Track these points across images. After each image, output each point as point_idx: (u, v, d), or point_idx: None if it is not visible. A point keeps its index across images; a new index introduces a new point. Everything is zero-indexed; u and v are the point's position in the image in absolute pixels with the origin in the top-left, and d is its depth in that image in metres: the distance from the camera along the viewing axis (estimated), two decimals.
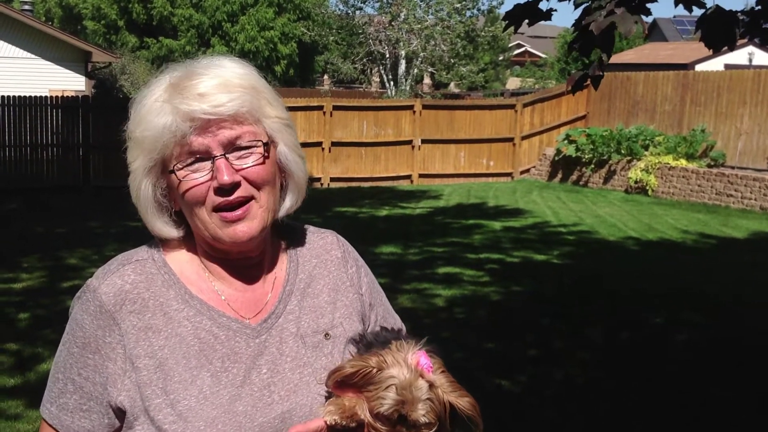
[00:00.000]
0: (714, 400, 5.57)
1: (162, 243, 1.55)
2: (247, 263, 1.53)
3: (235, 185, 1.42)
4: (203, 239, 1.50)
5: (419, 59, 27.90)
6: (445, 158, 19.90)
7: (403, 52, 27.78)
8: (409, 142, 19.54)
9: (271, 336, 1.51)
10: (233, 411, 1.42)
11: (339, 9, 29.73)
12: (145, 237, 1.58)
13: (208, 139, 1.42)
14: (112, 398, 1.44)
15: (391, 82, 28.49)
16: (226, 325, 1.49)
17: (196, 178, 1.43)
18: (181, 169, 1.43)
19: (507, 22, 3.96)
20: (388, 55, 28.22)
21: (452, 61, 28.43)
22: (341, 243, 1.68)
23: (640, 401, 5.56)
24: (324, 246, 1.65)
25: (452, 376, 1.42)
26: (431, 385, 1.38)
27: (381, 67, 28.79)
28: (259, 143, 1.45)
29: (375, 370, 1.39)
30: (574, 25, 3.51)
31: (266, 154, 1.45)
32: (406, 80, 28.21)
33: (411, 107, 19.73)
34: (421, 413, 1.36)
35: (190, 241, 1.54)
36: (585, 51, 3.44)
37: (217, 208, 1.43)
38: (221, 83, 1.43)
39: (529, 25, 4.04)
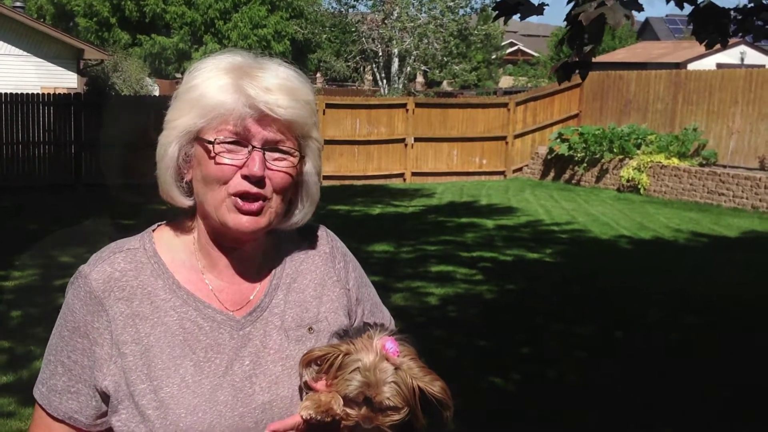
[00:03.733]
0: (708, 397, 5.59)
1: (156, 231, 1.59)
2: (239, 255, 1.56)
3: (262, 180, 1.46)
4: (205, 218, 1.53)
5: (412, 57, 27.91)
6: (438, 156, 19.91)
7: (396, 50, 27.79)
8: (402, 141, 19.54)
9: (256, 329, 1.53)
10: (214, 400, 1.45)
11: (332, 7, 29.82)
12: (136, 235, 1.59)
13: (255, 129, 1.45)
14: (98, 382, 1.48)
15: (384, 81, 28.50)
16: (211, 316, 1.52)
17: (231, 158, 1.45)
18: (221, 143, 1.45)
19: (497, 12, 3.94)
20: (381, 53, 28.22)
21: (445, 59, 28.47)
22: (330, 238, 1.71)
23: (634, 400, 5.58)
24: (312, 241, 1.68)
25: (425, 363, 1.44)
26: (397, 369, 1.40)
27: (374, 65, 28.79)
28: (297, 153, 1.50)
29: (343, 355, 1.43)
30: (566, 18, 3.51)
31: (298, 168, 1.51)
32: (398, 78, 28.22)
33: (404, 105, 19.73)
34: (386, 395, 1.39)
35: (186, 228, 1.57)
36: (573, 42, 3.45)
37: (236, 194, 1.46)
38: (289, 87, 1.47)
39: (521, 19, 4.04)
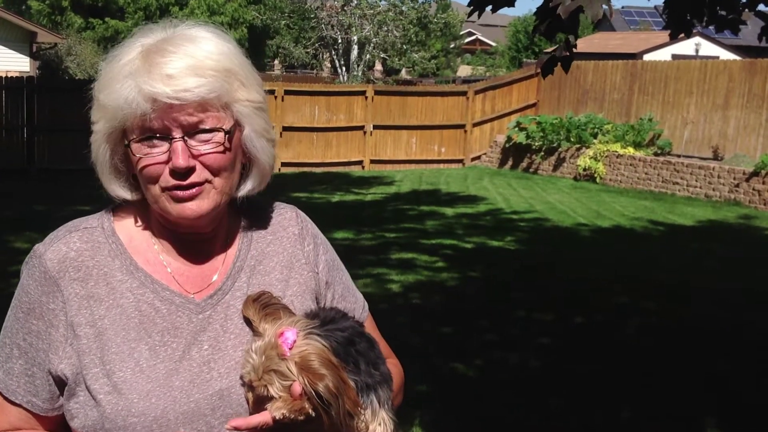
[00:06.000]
0: (663, 382, 5.68)
1: (114, 212, 1.54)
2: (197, 238, 1.51)
3: (191, 170, 1.40)
4: (155, 210, 1.49)
5: (371, 45, 27.84)
6: (397, 144, 19.91)
7: (355, 38, 27.71)
8: (361, 128, 19.50)
9: (216, 312, 1.49)
10: (169, 386, 1.41)
11: None
12: None
13: (168, 120, 1.38)
14: (53, 365, 1.43)
15: (343, 68, 28.40)
16: (169, 299, 1.47)
17: (152, 155, 1.39)
18: (138, 143, 1.39)
19: (472, 8, 3.94)
20: (340, 41, 28.11)
21: (404, 47, 28.44)
22: (300, 219, 1.65)
23: (595, 385, 5.65)
24: (281, 222, 1.63)
25: (335, 362, 1.36)
26: (283, 360, 1.35)
27: (333, 53, 28.66)
28: (221, 131, 1.41)
29: (255, 333, 1.41)
30: (538, 9, 3.51)
31: (227, 144, 1.42)
32: (358, 66, 28.14)
33: (363, 93, 19.68)
34: (263, 383, 1.36)
35: (145, 209, 1.52)
36: (550, 34, 3.45)
37: (168, 189, 1.41)
38: (192, 65, 1.38)
39: (493, 11, 4.04)
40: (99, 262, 1.47)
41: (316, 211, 12.95)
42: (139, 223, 1.52)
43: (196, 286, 1.50)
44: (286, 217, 1.64)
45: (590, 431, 4.93)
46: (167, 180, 1.40)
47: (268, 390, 1.36)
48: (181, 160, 1.38)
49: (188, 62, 1.38)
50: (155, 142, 1.39)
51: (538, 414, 5.14)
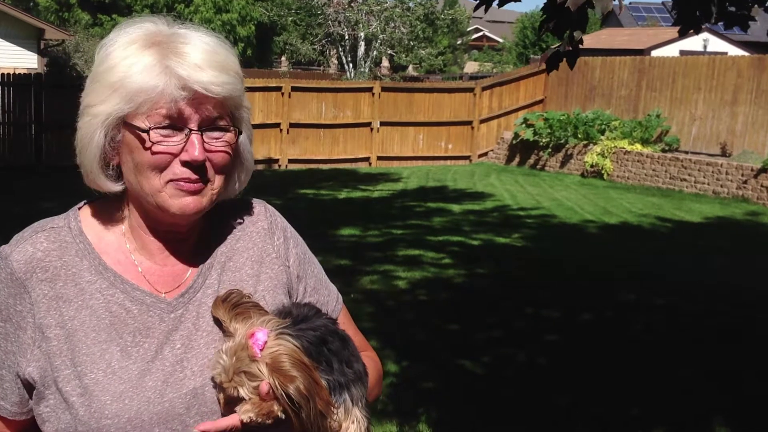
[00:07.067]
0: (674, 379, 5.67)
1: (82, 210, 1.51)
2: (174, 237, 1.49)
3: (204, 164, 1.39)
4: (139, 204, 1.45)
5: (378, 41, 27.81)
6: (404, 141, 19.90)
7: (362, 34, 27.67)
8: (368, 125, 19.49)
9: (188, 311, 1.47)
10: (142, 386, 1.39)
11: None
12: None
13: (189, 110, 1.37)
14: (21, 368, 1.41)
15: (350, 64, 28.37)
16: (140, 299, 1.45)
17: (168, 144, 1.37)
18: (154, 130, 1.37)
19: (478, 2, 3.93)
20: (347, 37, 28.08)
21: (411, 43, 28.39)
22: (269, 213, 1.62)
23: (603, 382, 5.63)
24: (250, 218, 1.60)
25: (307, 362, 1.35)
26: (254, 361, 1.33)
27: (340, 49, 28.64)
28: (232, 130, 1.43)
29: (226, 334, 1.40)
30: (546, 5, 3.49)
31: (234, 144, 1.44)
32: (365, 62, 28.11)
33: (370, 89, 19.67)
34: (233, 384, 1.35)
35: (116, 208, 1.49)
36: (559, 30, 3.44)
37: (178, 180, 1.39)
38: (219, 62, 1.39)
39: (499, 5, 4.03)
40: (67, 263, 1.44)
41: (323, 207, 12.99)
42: (110, 221, 1.50)
43: (168, 285, 1.48)
44: (254, 211, 1.61)
45: (598, 428, 4.92)
46: (174, 171, 1.38)
47: (238, 392, 1.34)
48: (198, 153, 1.37)
49: (212, 57, 1.39)
50: (170, 132, 1.37)
51: (544, 411, 5.13)
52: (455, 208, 13.41)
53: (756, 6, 4.35)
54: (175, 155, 1.38)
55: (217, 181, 1.43)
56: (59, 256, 1.44)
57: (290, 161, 18.72)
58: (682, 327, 6.99)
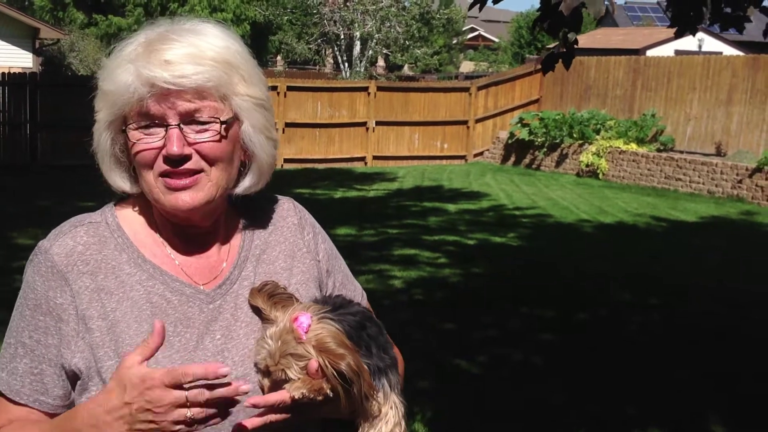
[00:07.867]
0: (665, 378, 5.68)
1: (117, 206, 1.55)
2: (197, 231, 1.52)
3: (185, 158, 1.41)
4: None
5: (374, 41, 27.81)
6: (400, 140, 19.91)
7: (357, 34, 27.67)
8: (364, 124, 19.50)
9: (226, 302, 1.50)
10: None
11: None
12: None
13: (164, 107, 1.39)
14: (66, 360, 1.43)
15: (346, 64, 28.37)
16: (179, 290, 1.48)
17: (148, 141, 1.41)
18: (134, 129, 1.41)
19: (473, 1, 3.94)
20: (342, 36, 28.08)
21: (407, 43, 28.41)
22: (298, 210, 1.67)
23: (598, 381, 5.64)
24: (280, 213, 1.65)
25: (349, 345, 1.38)
26: (301, 343, 1.37)
27: (335, 48, 28.63)
28: (217, 121, 1.42)
29: (266, 321, 1.43)
30: (541, 5, 3.50)
31: (224, 133, 1.43)
32: (360, 62, 28.11)
33: (366, 89, 19.67)
34: (280, 367, 1.37)
35: (147, 204, 1.52)
36: (553, 31, 3.45)
37: (161, 175, 1.42)
38: (192, 53, 1.40)
39: (494, 2, 4.03)
40: (107, 256, 1.47)
41: (319, 207, 12.97)
42: (142, 217, 1.53)
43: (205, 277, 1.51)
44: (284, 207, 1.66)
45: (593, 428, 4.93)
46: (160, 166, 1.41)
47: (286, 374, 1.37)
48: (175, 147, 1.39)
49: (189, 50, 1.40)
50: (152, 130, 1.40)
51: (541, 410, 5.14)
52: (451, 207, 13.41)
53: (751, 6, 4.36)
54: (159, 150, 1.41)
55: (214, 172, 1.44)
56: (99, 250, 1.47)
57: (286, 161, 18.72)
58: (677, 326, 7.00)
